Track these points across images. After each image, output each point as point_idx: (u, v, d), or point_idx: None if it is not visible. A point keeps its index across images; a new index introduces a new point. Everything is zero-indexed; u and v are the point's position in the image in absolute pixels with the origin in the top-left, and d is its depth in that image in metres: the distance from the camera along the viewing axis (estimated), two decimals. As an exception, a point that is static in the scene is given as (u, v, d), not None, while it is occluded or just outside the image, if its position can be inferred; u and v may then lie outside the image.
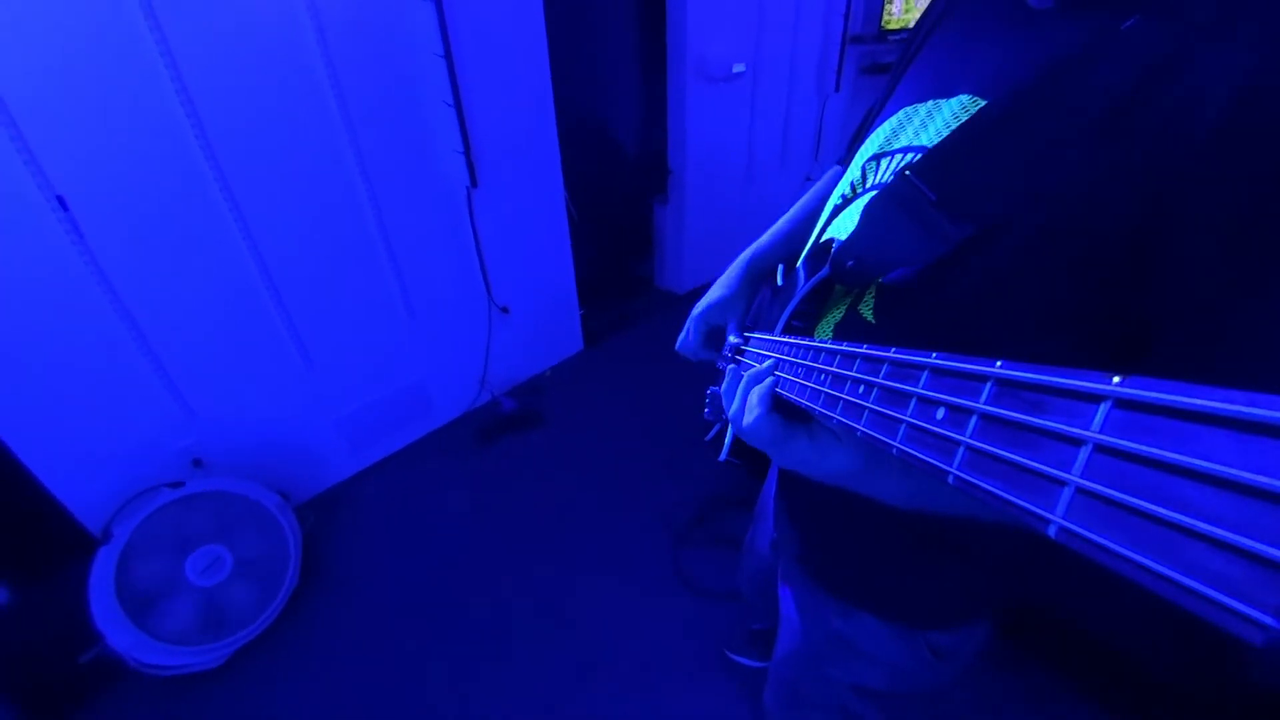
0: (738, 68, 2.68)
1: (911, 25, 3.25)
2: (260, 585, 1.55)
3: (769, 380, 0.45)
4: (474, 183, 1.95)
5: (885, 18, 3.26)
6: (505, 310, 2.32)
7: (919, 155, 0.46)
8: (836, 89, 3.33)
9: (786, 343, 0.45)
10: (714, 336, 0.80)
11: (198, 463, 1.67)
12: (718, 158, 2.91)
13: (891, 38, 3.33)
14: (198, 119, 1.40)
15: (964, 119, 0.44)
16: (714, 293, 0.79)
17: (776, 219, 0.86)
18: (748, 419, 0.44)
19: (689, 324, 0.82)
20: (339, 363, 1.92)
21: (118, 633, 1.35)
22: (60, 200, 1.29)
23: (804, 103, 3.28)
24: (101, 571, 1.36)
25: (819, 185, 0.83)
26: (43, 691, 1.42)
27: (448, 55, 1.72)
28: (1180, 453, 0.13)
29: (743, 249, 0.84)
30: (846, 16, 3.16)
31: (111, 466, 1.52)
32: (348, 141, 1.67)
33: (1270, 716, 1.02)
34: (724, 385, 0.51)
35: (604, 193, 2.69)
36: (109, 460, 1.51)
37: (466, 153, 1.88)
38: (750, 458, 0.68)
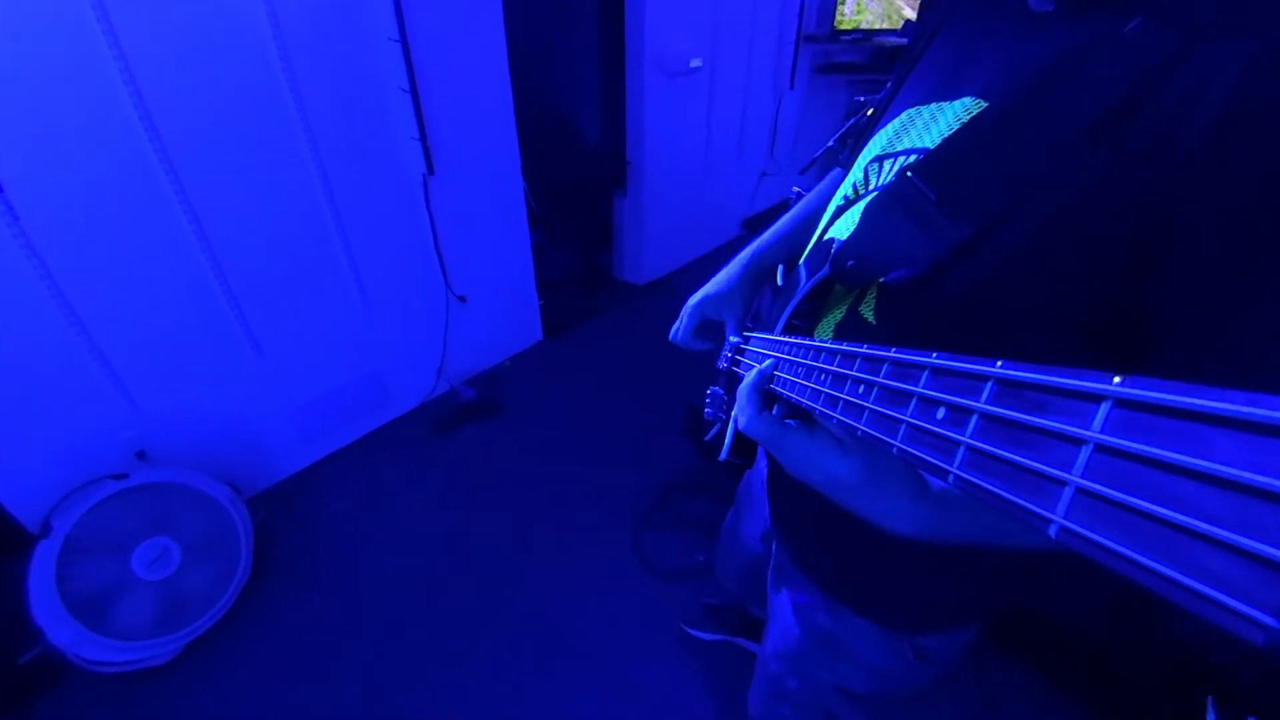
0: (695, 63, 2.72)
1: (863, 26, 3.36)
2: (210, 578, 1.52)
3: (757, 374, 0.46)
4: (431, 170, 1.94)
5: (838, 18, 3.36)
6: (463, 299, 2.31)
7: (922, 156, 0.46)
8: (791, 86, 3.42)
9: (786, 342, 0.45)
10: (708, 329, 0.81)
11: (142, 455, 1.62)
12: (676, 151, 2.95)
13: (844, 38, 3.44)
14: (142, 101, 1.35)
15: (967, 121, 0.44)
16: (712, 286, 0.80)
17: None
18: (740, 419, 0.45)
19: (683, 313, 0.82)
20: (292, 352, 1.89)
21: (60, 630, 1.31)
22: (-9, 181, 1.23)
23: (760, 99, 3.36)
24: (40, 568, 1.31)
25: (821, 186, 0.83)
26: (-22, 694, 1.36)
27: (403, 40, 1.70)
28: (1181, 453, 0.13)
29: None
30: (800, 15, 3.25)
31: (49, 459, 1.46)
32: (300, 125, 1.64)
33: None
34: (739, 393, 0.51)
35: (563, 184, 2.71)
36: (47, 452, 1.45)
37: (423, 139, 1.87)
38: (750, 457, 0.70)
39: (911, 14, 3.34)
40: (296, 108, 1.61)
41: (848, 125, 2.03)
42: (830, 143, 2.05)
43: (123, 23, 1.28)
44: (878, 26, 3.41)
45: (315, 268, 1.84)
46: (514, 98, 2.13)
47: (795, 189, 2.19)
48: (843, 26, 3.39)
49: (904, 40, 3.22)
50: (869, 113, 0.72)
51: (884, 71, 3.49)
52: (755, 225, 3.65)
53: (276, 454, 1.98)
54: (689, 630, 1.49)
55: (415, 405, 2.34)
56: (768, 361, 0.47)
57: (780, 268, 0.67)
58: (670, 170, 2.95)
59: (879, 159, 0.53)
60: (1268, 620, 0.11)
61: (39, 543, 1.32)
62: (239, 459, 1.85)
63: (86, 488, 1.43)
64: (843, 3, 3.33)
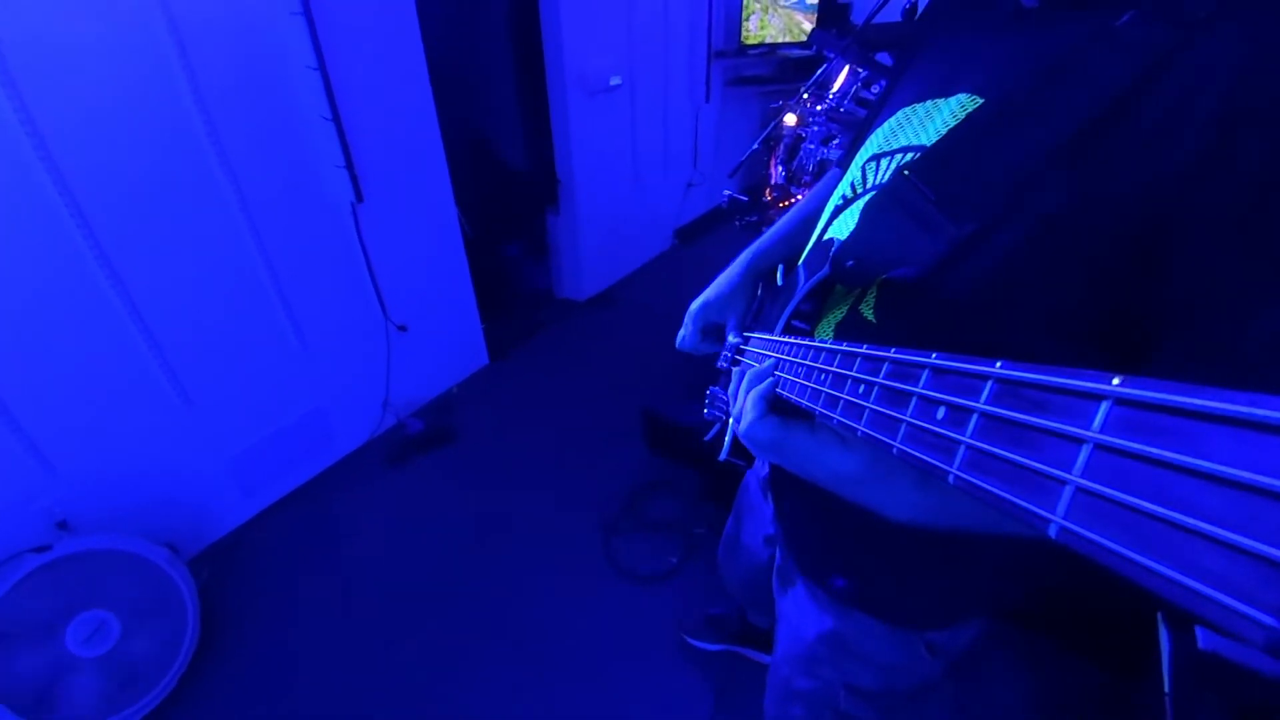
0: (615, 80, 2.79)
1: (768, 40, 3.55)
2: (157, 645, 1.40)
3: (767, 382, 0.45)
4: (359, 198, 1.90)
5: (744, 34, 3.54)
6: (403, 329, 2.25)
7: (918, 154, 0.46)
8: (707, 99, 3.56)
9: (786, 343, 0.46)
10: (712, 332, 0.81)
11: (63, 525, 1.48)
12: (604, 166, 3.00)
13: (751, 52, 3.62)
14: (40, 140, 1.27)
15: (963, 118, 0.44)
16: (713, 289, 0.79)
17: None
18: (744, 423, 0.44)
19: (687, 320, 0.81)
20: (224, 400, 1.78)
21: (-18, 727, 1.18)
22: None
23: (679, 113, 3.47)
24: (-46, 660, 1.17)
25: (818, 186, 0.83)
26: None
27: (322, 68, 1.67)
28: (1180, 452, 0.13)
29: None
30: (709, 32, 3.40)
31: (-48, 539, 1.32)
32: (217, 158, 1.57)
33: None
34: (731, 386, 0.52)
35: (496, 205, 2.69)
36: (-52, 533, 1.31)
37: (349, 167, 1.83)
38: (751, 456, 0.70)
39: (809, 27, 3.55)
40: (211, 141, 1.54)
41: (769, 129, 2.14)
42: (755, 145, 2.14)
43: (18, 60, 1.20)
44: (781, 40, 3.61)
45: (243, 307, 1.76)
46: (440, 122, 2.12)
47: (726, 192, 2.28)
48: (749, 41, 3.57)
49: (809, 52, 3.41)
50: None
51: (791, 82, 3.68)
52: (687, 235, 3.75)
53: (215, 510, 1.85)
54: (690, 640, 1.47)
55: (362, 442, 2.25)
56: (767, 363, 0.47)
57: (780, 268, 0.67)
58: (600, 185, 3.00)
59: (876, 157, 0.53)
60: (1268, 620, 0.11)
61: (-49, 632, 1.18)
62: (174, 519, 1.72)
63: (4, 565, 1.29)
64: (747, 19, 3.50)
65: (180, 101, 1.46)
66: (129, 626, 1.36)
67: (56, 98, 1.28)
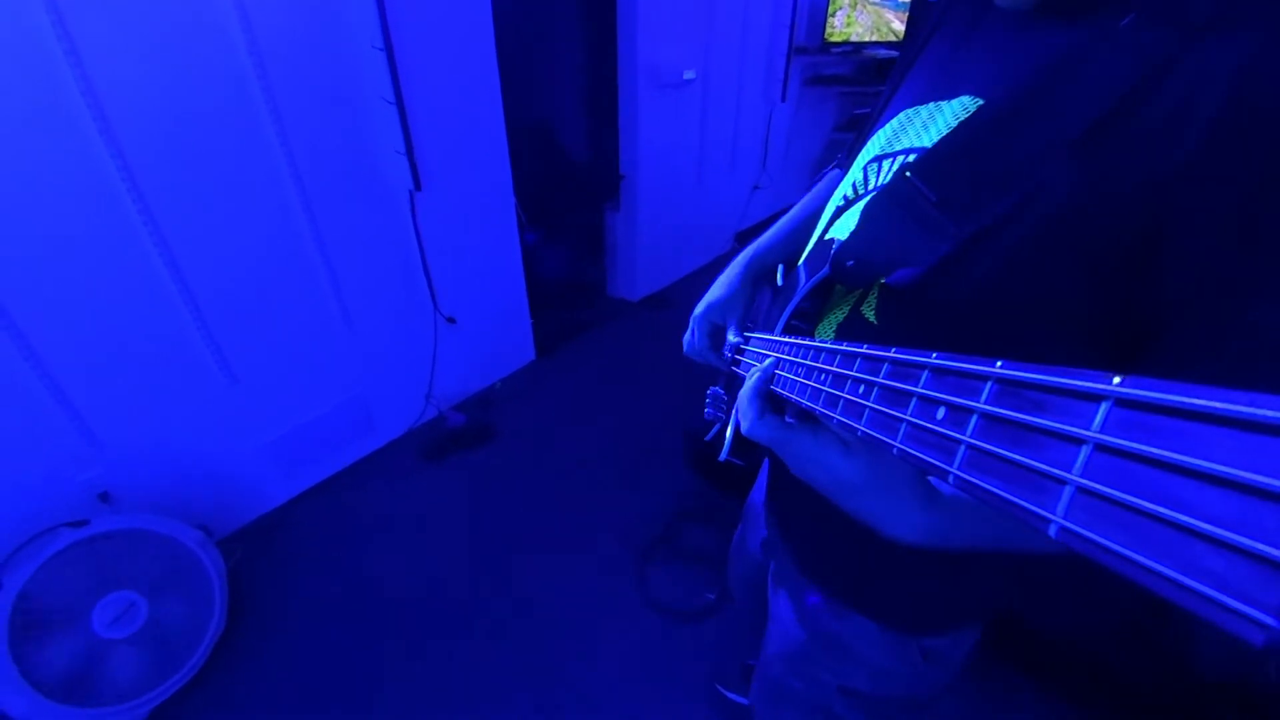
0: (688, 74, 2.66)
1: (853, 38, 3.34)
2: (181, 632, 1.38)
3: (760, 379, 0.45)
4: (417, 186, 1.84)
5: (828, 31, 3.34)
6: (452, 320, 2.20)
7: (920, 157, 0.46)
8: (783, 99, 3.38)
9: (786, 343, 0.45)
10: (717, 336, 0.80)
11: (105, 497, 1.49)
12: (669, 164, 2.88)
13: (834, 50, 3.41)
14: (102, 114, 1.24)
15: (965, 119, 0.44)
16: (715, 292, 0.79)
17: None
18: (745, 422, 0.44)
19: (692, 325, 0.81)
20: (269, 380, 1.76)
21: (11, 697, 1.17)
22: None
23: (752, 111, 3.31)
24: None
25: (818, 188, 0.83)
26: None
27: (388, 48, 1.61)
28: (1180, 452, 0.13)
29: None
30: (792, 28, 3.22)
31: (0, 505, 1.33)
32: (276, 138, 1.53)
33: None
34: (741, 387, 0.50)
35: (555, 198, 2.62)
36: (-3, 497, 1.32)
37: (409, 154, 1.77)
38: (750, 457, 0.67)
39: (900, 26, 3.32)
40: (272, 119, 1.50)
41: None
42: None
43: (80, 30, 1.17)
44: (868, 39, 3.39)
45: (294, 289, 1.73)
46: (504, 109, 2.04)
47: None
48: (833, 39, 3.37)
49: (894, 53, 3.20)
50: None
51: (873, 84, 3.47)
52: (748, 238, 3.59)
53: (252, 489, 1.84)
54: (724, 692, 1.38)
55: (402, 433, 2.22)
56: (768, 361, 0.46)
57: (780, 268, 0.66)
58: (663, 183, 2.88)
59: (878, 159, 0.53)
60: (1268, 620, 0.11)
61: (-16, 603, 1.19)
62: (211, 496, 1.72)
63: (41, 537, 1.29)
64: (833, 15, 3.30)
65: (242, 76, 1.43)
66: (156, 609, 1.35)
67: (119, 80, 1.25)
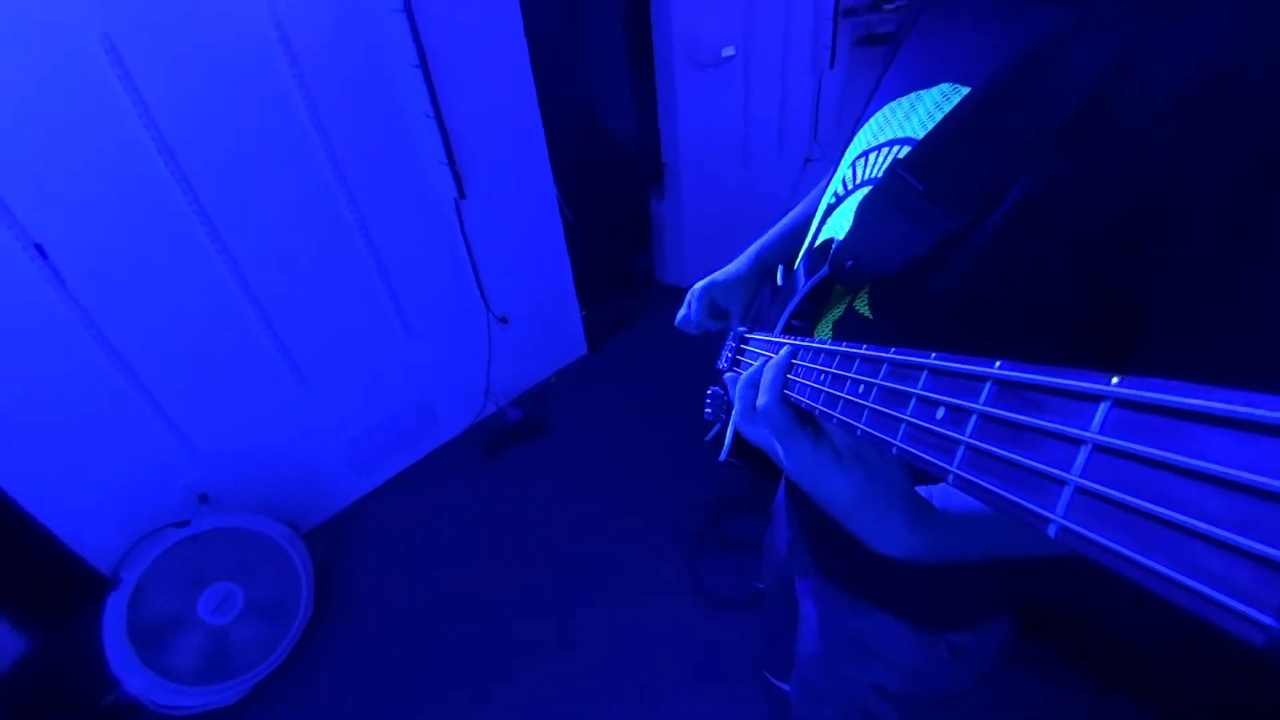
0: (728, 51, 2.59)
1: (906, -7, 3.13)
2: (273, 620, 1.54)
3: (782, 362, 0.44)
4: (462, 194, 1.91)
5: (878, -13, 3.15)
6: (504, 320, 2.28)
7: (906, 145, 0.46)
8: (831, 65, 3.23)
9: (786, 343, 0.45)
10: (716, 315, 0.81)
11: (204, 498, 1.66)
12: (713, 146, 2.83)
13: (886, 6, 3.22)
14: (169, 151, 1.37)
15: (946, 107, 0.44)
16: (720, 273, 0.80)
17: (779, 204, 0.84)
18: (761, 398, 0.43)
19: (690, 298, 0.82)
20: (337, 384, 1.90)
21: (133, 676, 1.35)
22: (39, 248, 1.27)
23: (799, 82, 3.18)
24: (113, 617, 1.35)
25: (823, 183, 0.83)
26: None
27: (423, 65, 1.67)
28: (1180, 453, 0.13)
29: (746, 235, 0.85)
30: (838, -11, 3.06)
31: (119, 508, 1.52)
32: (327, 160, 1.63)
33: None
34: (739, 384, 0.51)
35: (598, 190, 2.64)
36: (115, 502, 1.51)
37: (451, 164, 1.84)
38: (750, 458, 0.68)
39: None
40: (322, 142, 1.60)
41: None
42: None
43: (138, 66, 1.28)
44: (923, -9, 3.17)
45: (353, 299, 1.85)
46: (540, 104, 2.07)
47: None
48: (885, -6, 3.18)
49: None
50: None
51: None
52: (801, 214, 3.49)
53: (330, 487, 2.01)
54: (771, 679, 1.40)
55: (464, 428, 2.34)
56: (784, 351, 0.45)
57: (780, 268, 0.67)
58: (708, 166, 2.84)
59: (864, 154, 0.53)
60: (1268, 620, 0.11)
61: (109, 594, 1.37)
62: (294, 494, 1.88)
63: (152, 536, 1.47)
64: (884, -31, 3.11)
65: (290, 101, 1.52)
66: (251, 600, 1.51)
67: (183, 112, 1.37)
